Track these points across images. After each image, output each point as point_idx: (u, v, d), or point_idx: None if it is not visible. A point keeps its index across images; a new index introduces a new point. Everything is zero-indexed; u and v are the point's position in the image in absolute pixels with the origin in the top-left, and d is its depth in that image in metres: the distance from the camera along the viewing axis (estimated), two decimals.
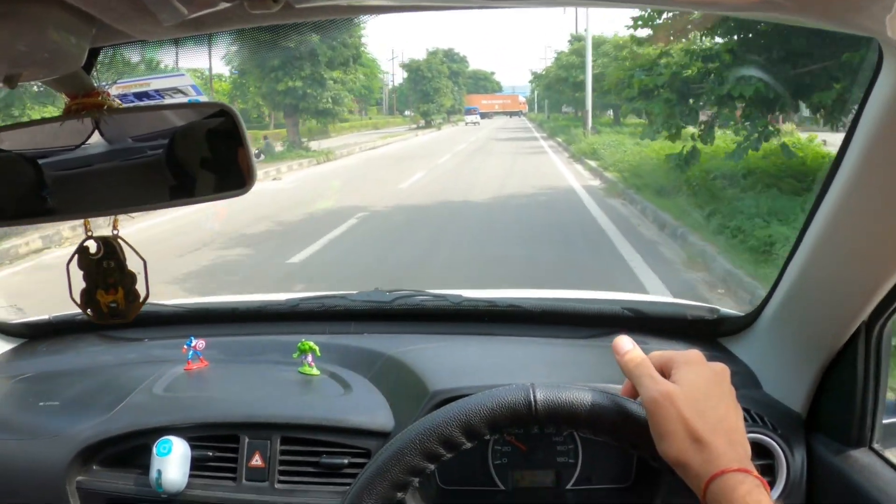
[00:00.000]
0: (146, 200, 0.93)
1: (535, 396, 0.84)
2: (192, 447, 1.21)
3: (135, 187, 0.92)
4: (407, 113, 63.40)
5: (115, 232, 0.93)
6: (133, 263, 0.92)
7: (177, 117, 0.93)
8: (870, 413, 1.07)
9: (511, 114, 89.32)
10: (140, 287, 0.96)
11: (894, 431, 1.12)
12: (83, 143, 0.88)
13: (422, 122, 59.63)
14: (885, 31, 0.66)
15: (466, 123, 60.29)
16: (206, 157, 0.90)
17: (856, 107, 0.89)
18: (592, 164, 16.11)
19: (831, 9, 0.67)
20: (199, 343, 1.44)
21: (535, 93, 75.71)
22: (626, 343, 0.86)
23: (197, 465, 1.21)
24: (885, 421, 1.10)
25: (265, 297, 1.79)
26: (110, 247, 0.94)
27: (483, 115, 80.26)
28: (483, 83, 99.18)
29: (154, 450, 1.18)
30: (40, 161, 0.89)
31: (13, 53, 0.68)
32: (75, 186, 0.91)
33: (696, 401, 0.77)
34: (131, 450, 1.25)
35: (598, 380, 0.94)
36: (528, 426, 0.85)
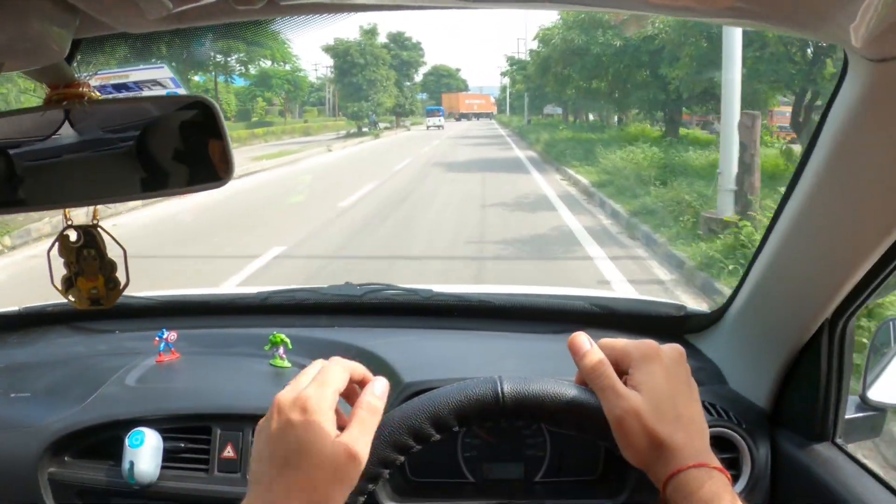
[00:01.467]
0: (127, 191, 1.03)
1: (502, 388, 0.92)
2: (165, 439, 1.33)
3: (115, 178, 1.00)
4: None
5: (95, 221, 1.03)
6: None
7: (155, 109, 1.02)
8: (833, 408, 1.22)
9: (478, 116, 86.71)
10: (120, 275, 1.05)
11: (857, 426, 1.27)
12: (55, 133, 0.95)
13: (354, 129, 48.05)
14: (849, 40, 0.75)
15: (428, 127, 56.81)
16: (183, 149, 0.99)
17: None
18: None
19: (798, 16, 0.76)
20: (170, 335, 1.56)
21: (508, 91, 71.14)
22: (583, 342, 0.90)
23: (169, 457, 1.33)
24: (847, 416, 1.25)
25: (236, 290, 2.01)
26: (90, 236, 1.03)
27: (462, 117, 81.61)
28: (447, 81, 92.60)
29: (126, 441, 1.30)
30: (11, 151, 0.98)
31: None
32: (55, 176, 1.00)
33: (657, 406, 0.84)
34: (103, 441, 1.37)
35: (566, 373, 1.00)
36: (495, 418, 0.95)
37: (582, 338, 0.89)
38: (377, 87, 46.65)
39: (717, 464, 0.81)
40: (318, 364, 0.88)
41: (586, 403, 0.88)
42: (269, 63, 43.58)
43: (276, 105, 52.37)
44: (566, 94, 25.44)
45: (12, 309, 1.86)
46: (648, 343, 0.88)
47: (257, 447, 0.84)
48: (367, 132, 46.14)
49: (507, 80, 65.45)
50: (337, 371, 0.87)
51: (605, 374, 0.86)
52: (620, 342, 0.90)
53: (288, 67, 47.83)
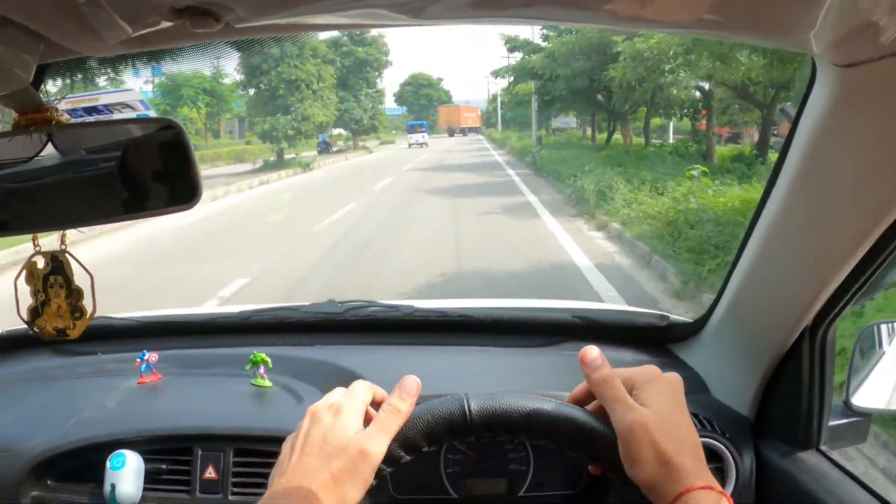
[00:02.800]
0: (97, 215, 1.20)
1: (469, 406, 1.13)
2: (146, 460, 1.62)
3: (86, 202, 1.16)
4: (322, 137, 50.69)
5: (63, 247, 1.20)
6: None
7: (127, 132, 1.19)
8: (816, 416, 1.51)
9: (465, 131, 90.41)
10: (87, 303, 1.21)
11: (841, 433, 1.56)
12: (34, 157, 1.10)
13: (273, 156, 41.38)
14: (812, 47, 0.93)
15: (410, 146, 58.22)
16: (155, 171, 1.17)
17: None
18: None
19: (762, 26, 0.94)
20: (151, 356, 1.86)
21: (499, 100, 70.91)
22: (595, 357, 1.15)
23: (151, 479, 1.61)
24: (831, 423, 1.55)
25: (217, 309, 2.49)
26: (57, 262, 1.20)
27: (459, 131, 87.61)
28: (427, 91, 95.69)
29: (108, 464, 1.58)
30: None
31: None
32: (27, 200, 1.16)
33: (664, 423, 1.07)
34: (85, 464, 1.66)
35: (550, 388, 1.28)
36: (465, 436, 1.22)
37: (594, 351, 1.15)
38: (302, 93, 39.20)
39: (721, 489, 1.04)
40: (341, 389, 1.20)
41: (556, 415, 1.13)
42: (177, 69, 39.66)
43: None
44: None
45: None
46: (651, 368, 1.15)
47: (283, 450, 1.12)
48: (293, 161, 39.27)
49: (496, 90, 67.53)
50: (364, 387, 1.18)
51: (616, 385, 1.12)
52: (625, 371, 1.15)
53: (207, 73, 45.02)
